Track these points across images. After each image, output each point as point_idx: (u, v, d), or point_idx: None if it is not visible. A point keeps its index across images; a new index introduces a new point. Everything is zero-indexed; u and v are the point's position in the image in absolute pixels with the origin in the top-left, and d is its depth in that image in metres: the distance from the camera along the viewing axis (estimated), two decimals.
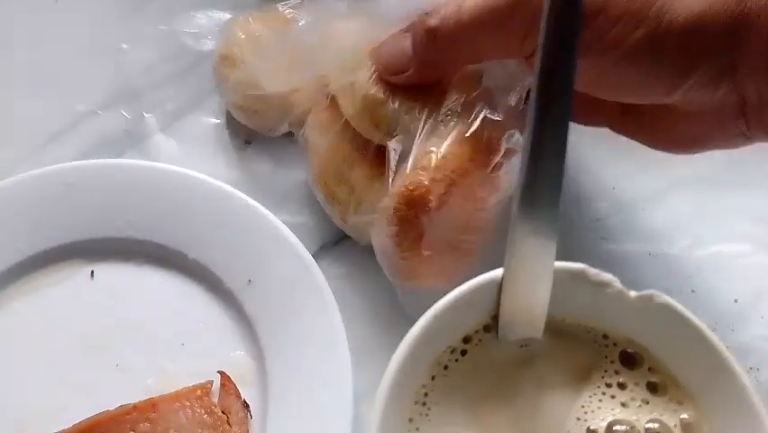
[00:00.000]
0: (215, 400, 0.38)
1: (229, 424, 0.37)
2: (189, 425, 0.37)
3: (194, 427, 0.37)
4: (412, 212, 0.36)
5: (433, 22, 0.34)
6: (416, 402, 0.26)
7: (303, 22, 0.41)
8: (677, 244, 0.46)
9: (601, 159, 0.49)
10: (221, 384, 0.39)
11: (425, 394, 0.27)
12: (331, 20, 0.41)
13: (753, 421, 0.24)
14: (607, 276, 0.26)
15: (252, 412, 0.38)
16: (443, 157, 0.36)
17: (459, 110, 0.37)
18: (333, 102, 0.41)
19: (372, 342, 0.41)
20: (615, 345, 0.28)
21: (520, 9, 0.31)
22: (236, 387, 0.39)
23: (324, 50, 0.41)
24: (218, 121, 0.47)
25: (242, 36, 0.44)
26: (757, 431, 0.24)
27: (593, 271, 0.26)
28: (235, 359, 0.40)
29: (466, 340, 0.28)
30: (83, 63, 0.49)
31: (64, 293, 0.41)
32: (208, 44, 0.50)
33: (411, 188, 0.36)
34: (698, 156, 0.45)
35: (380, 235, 0.39)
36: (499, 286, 0.26)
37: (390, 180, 0.38)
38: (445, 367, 0.27)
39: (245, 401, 0.38)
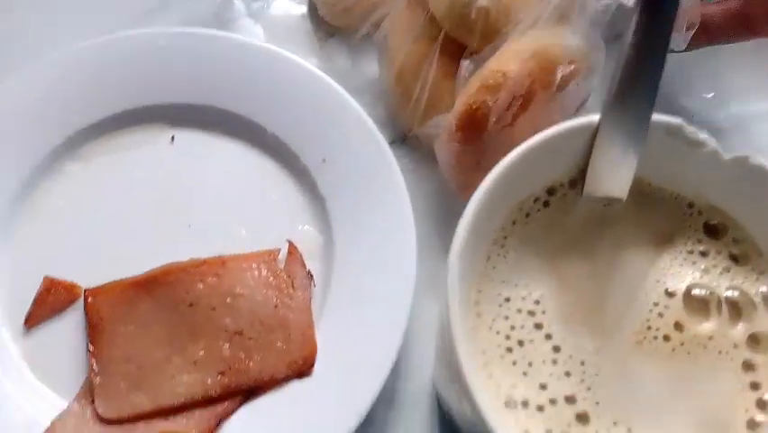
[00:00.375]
0: (282, 266, 0.39)
1: (293, 288, 0.38)
2: (255, 284, 0.38)
3: (260, 286, 0.38)
4: (473, 130, 0.37)
5: None
6: (494, 242, 0.27)
7: None
8: None
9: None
10: (288, 252, 0.39)
11: (505, 237, 0.27)
12: None
13: None
14: (703, 135, 0.26)
15: (316, 283, 0.39)
16: (508, 76, 0.35)
17: (528, 29, 0.37)
18: (416, 2, 0.42)
19: (433, 238, 0.42)
20: (699, 213, 0.27)
21: None
22: (302, 256, 0.39)
23: None
24: (303, 11, 0.48)
25: None
26: None
27: (690, 129, 0.26)
28: (304, 233, 0.41)
29: (550, 192, 0.28)
30: None
31: (145, 153, 0.43)
32: None
33: (474, 106, 0.36)
34: None
35: (443, 149, 0.39)
36: (592, 136, 0.26)
37: (458, 97, 0.38)
38: (527, 215, 0.27)
39: (309, 271, 0.39)
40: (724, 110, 0.46)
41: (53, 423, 0.35)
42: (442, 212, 0.43)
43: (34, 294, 0.38)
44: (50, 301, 0.38)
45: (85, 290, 0.38)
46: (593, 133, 0.26)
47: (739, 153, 0.26)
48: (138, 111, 0.42)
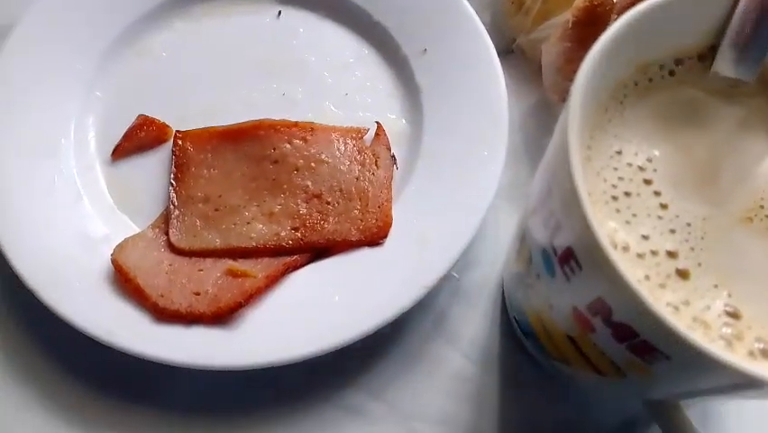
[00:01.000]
0: (368, 144, 0.39)
1: (377, 165, 0.38)
2: (341, 155, 0.38)
3: (344, 158, 0.38)
4: (591, 27, 0.36)
5: None
6: (613, 97, 0.26)
7: None
8: None
9: None
10: (375, 134, 0.39)
11: (624, 95, 0.26)
12: None
13: None
14: None
15: (399, 167, 0.39)
16: None
17: None
18: None
19: (521, 150, 0.41)
20: None
21: None
22: (388, 139, 0.39)
23: None
24: None
25: None
26: None
27: None
28: (393, 121, 0.41)
29: (678, 62, 0.27)
30: None
31: (252, 22, 0.43)
32: None
33: (597, 1, 0.36)
34: None
35: (551, 51, 0.38)
36: (727, 12, 0.26)
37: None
38: (650, 80, 0.27)
39: (393, 154, 0.39)
40: None
41: (126, 240, 0.35)
42: (536, 127, 0.42)
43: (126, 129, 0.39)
44: (140, 137, 0.39)
45: (176, 131, 0.39)
46: (728, 8, 0.25)
47: None
48: None
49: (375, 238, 0.36)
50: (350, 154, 0.38)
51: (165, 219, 0.36)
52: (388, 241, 0.36)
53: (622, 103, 0.26)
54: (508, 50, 0.44)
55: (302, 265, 0.36)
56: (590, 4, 0.36)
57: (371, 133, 0.40)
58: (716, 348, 0.20)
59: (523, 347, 0.36)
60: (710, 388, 0.25)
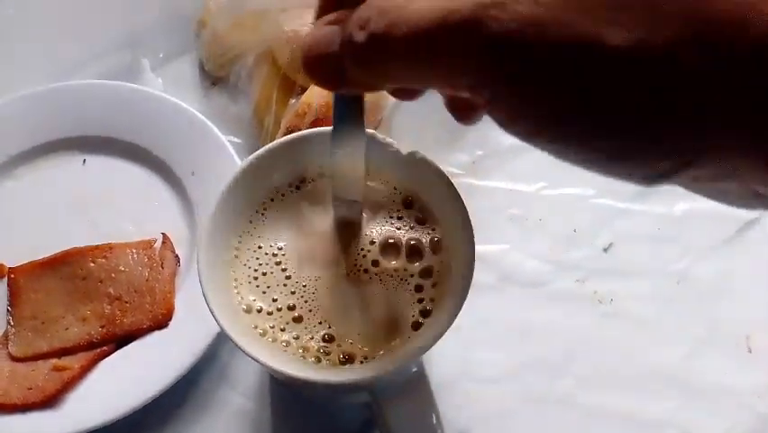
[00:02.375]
0: (157, 251, 0.52)
1: (162, 267, 0.51)
2: (133, 263, 0.51)
3: (136, 265, 0.51)
4: None
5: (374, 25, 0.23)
6: (256, 211, 0.40)
7: None
8: (534, 185, 0.58)
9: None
10: (162, 242, 0.53)
11: (265, 209, 0.40)
12: None
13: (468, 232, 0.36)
14: (389, 139, 0.39)
15: (182, 264, 0.52)
16: (312, 106, 0.50)
17: None
18: (265, 55, 0.56)
19: None
20: (400, 193, 0.41)
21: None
22: (172, 244, 0.53)
23: (270, 15, 0.56)
24: (194, 66, 0.63)
25: (212, 6, 0.60)
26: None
27: (380, 136, 0.39)
28: (177, 228, 0.54)
29: (302, 181, 0.41)
30: (96, 18, 0.66)
31: (64, 172, 0.57)
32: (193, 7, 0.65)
33: (290, 128, 0.51)
34: None
35: None
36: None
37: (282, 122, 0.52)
38: (282, 195, 0.41)
39: (177, 255, 0.52)
40: None
41: None
42: None
43: None
44: None
45: (9, 268, 0.52)
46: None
47: (411, 149, 0.39)
48: (59, 141, 0.57)
49: (162, 322, 0.49)
50: (141, 261, 0.52)
51: (5, 336, 0.49)
52: (173, 322, 0.49)
53: (263, 214, 0.40)
54: None
55: (110, 353, 0.48)
56: (286, 130, 0.50)
57: (159, 242, 0.53)
58: (294, 366, 0.34)
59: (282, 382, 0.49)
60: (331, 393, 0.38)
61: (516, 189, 0.58)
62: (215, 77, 0.62)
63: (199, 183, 0.55)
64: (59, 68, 0.62)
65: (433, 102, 0.54)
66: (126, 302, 0.50)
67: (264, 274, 0.38)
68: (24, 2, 0.67)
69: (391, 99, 0.53)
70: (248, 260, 0.39)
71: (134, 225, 0.54)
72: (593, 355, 0.51)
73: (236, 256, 0.39)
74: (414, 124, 0.58)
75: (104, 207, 0.55)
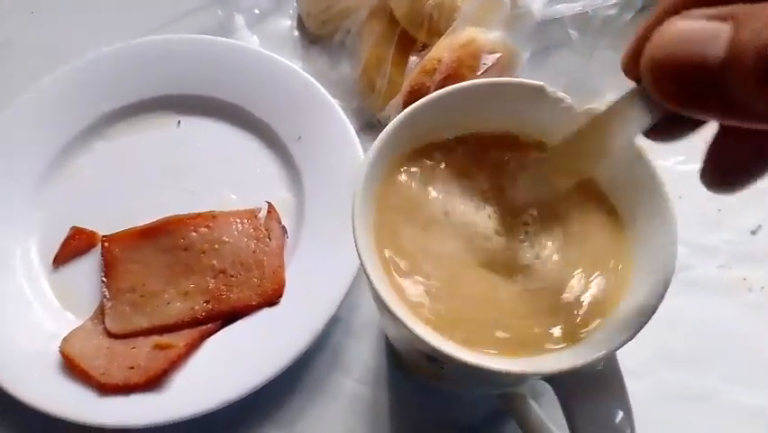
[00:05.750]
0: (262, 221, 0.48)
1: (269, 238, 0.47)
2: (239, 234, 0.47)
3: (241, 236, 0.47)
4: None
5: None
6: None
7: None
8: (671, 159, 0.53)
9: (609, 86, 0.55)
10: (267, 211, 0.48)
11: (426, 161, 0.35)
12: None
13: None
14: (561, 93, 0.34)
15: (289, 235, 0.47)
16: (441, 62, 0.44)
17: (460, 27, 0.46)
18: (379, 9, 0.51)
19: None
20: None
21: None
22: (278, 214, 0.48)
23: None
24: (292, 23, 0.58)
25: None
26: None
27: (551, 89, 0.34)
28: (281, 197, 0.49)
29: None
30: None
31: (157, 134, 0.52)
32: None
33: (415, 86, 0.45)
34: None
35: None
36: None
37: (405, 81, 0.47)
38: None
39: (284, 226, 0.48)
40: None
41: (70, 333, 0.43)
42: None
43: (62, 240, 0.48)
44: (74, 245, 0.47)
45: (102, 237, 0.47)
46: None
47: (587, 106, 0.34)
48: (152, 100, 0.52)
49: (272, 299, 0.44)
50: (246, 232, 0.47)
51: (101, 311, 0.45)
52: (284, 299, 0.45)
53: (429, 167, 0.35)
54: (371, 125, 0.53)
55: (216, 331, 0.44)
56: (411, 87, 0.45)
57: (264, 211, 0.48)
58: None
59: (401, 367, 0.44)
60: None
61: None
62: (315, 35, 0.57)
63: (306, 149, 0.50)
64: (146, 26, 0.58)
65: (556, 68, 0.47)
66: (232, 276, 0.45)
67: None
68: None
69: (523, 57, 0.48)
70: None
71: (236, 193, 0.50)
72: (740, 349, 0.46)
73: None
74: None
75: (201, 172, 0.51)
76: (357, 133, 0.51)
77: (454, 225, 0.33)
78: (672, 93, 0.19)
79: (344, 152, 0.48)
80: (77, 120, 0.51)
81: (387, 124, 0.51)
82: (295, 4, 0.58)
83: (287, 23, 0.58)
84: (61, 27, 0.59)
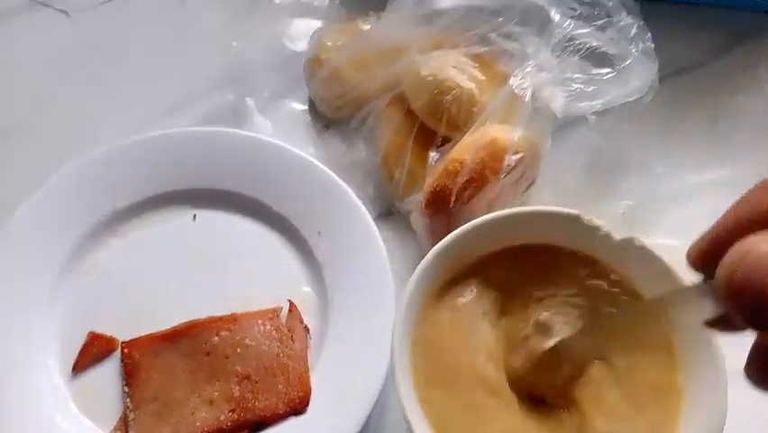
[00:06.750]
0: (283, 321, 0.47)
1: (292, 340, 0.46)
2: (261, 337, 0.46)
3: (264, 338, 0.46)
4: (439, 206, 0.45)
5: None
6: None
7: (378, 30, 0.51)
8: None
9: (633, 160, 0.55)
10: (288, 310, 0.48)
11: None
12: (401, 28, 0.50)
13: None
14: (597, 221, 0.34)
15: (312, 336, 0.47)
16: (464, 164, 0.44)
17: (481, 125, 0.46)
18: (398, 99, 0.51)
19: None
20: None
21: None
22: (300, 313, 0.47)
23: (397, 53, 0.51)
24: (304, 107, 0.58)
25: (328, 43, 0.54)
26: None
27: (587, 218, 0.34)
28: (303, 294, 0.49)
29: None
30: (200, 54, 0.61)
31: (172, 229, 0.51)
32: (301, 45, 0.60)
33: (438, 188, 0.45)
34: (724, 164, 0.53)
35: (417, 222, 0.48)
36: None
37: (426, 179, 0.46)
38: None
39: (306, 326, 0.47)
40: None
41: None
42: None
43: (80, 346, 0.47)
44: (93, 352, 0.46)
45: (121, 343, 0.46)
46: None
47: (626, 236, 0.34)
48: (166, 195, 0.52)
49: (298, 408, 0.44)
50: (269, 334, 0.46)
51: (124, 421, 0.44)
52: (311, 406, 0.44)
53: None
54: (390, 212, 0.53)
55: None
56: (434, 189, 0.45)
57: (285, 310, 0.48)
58: None
59: None
60: None
61: (677, 246, 0.52)
62: (329, 118, 0.57)
63: (327, 243, 0.49)
64: (158, 111, 0.57)
65: (575, 147, 0.47)
66: (256, 382, 0.45)
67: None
68: (122, 43, 0.62)
69: (546, 149, 0.47)
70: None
71: (256, 290, 0.49)
72: None
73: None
74: (556, 172, 0.52)
75: (219, 268, 0.50)
76: (375, 220, 0.51)
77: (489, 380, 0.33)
78: (748, 316, 0.19)
79: (365, 246, 0.48)
80: (90, 218, 0.50)
81: (406, 214, 0.51)
82: (305, 91, 0.57)
83: (299, 107, 0.58)
84: (71, 113, 0.58)
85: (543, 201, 0.51)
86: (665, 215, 0.53)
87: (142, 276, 0.50)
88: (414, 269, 0.50)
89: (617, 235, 0.34)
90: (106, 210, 0.51)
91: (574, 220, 0.34)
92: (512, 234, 0.35)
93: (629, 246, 0.34)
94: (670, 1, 0.63)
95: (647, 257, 0.33)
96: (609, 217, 0.53)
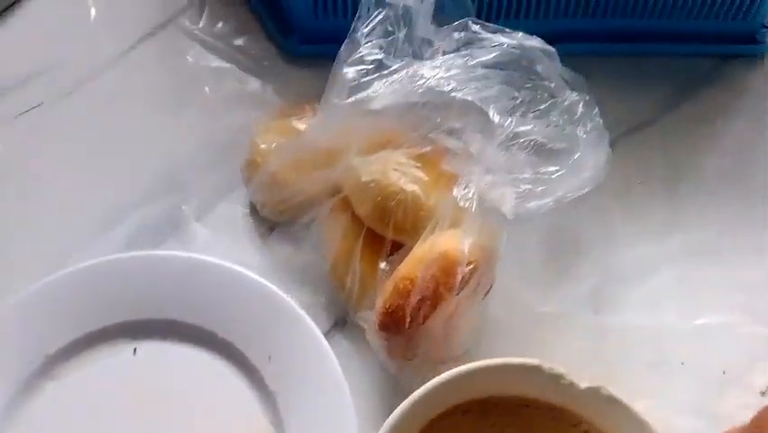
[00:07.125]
0: None
1: None
2: None
3: None
4: (393, 327, 0.42)
5: None
6: None
7: (313, 130, 0.48)
8: (666, 316, 0.50)
9: (593, 234, 0.53)
10: None
11: None
12: (336, 127, 0.47)
13: None
14: (558, 369, 0.31)
15: None
16: (415, 282, 0.41)
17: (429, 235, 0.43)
18: (342, 202, 0.48)
19: (374, 411, 0.46)
20: None
21: None
22: None
23: (336, 155, 0.47)
24: (245, 210, 0.54)
25: (263, 146, 0.51)
26: None
27: (547, 366, 0.31)
28: (258, 426, 0.45)
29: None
30: (128, 160, 0.57)
31: (111, 366, 0.48)
32: (238, 138, 0.55)
33: (390, 309, 0.42)
34: (689, 228, 0.50)
35: (373, 340, 0.45)
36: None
37: (378, 297, 0.43)
38: None
39: None
40: None
41: None
42: (383, 383, 0.47)
43: None
44: None
45: None
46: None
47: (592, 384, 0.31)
48: (102, 331, 0.48)
49: None
50: None
51: None
52: None
53: None
54: (345, 321, 0.49)
55: None
56: (386, 310, 0.42)
57: None
58: None
59: None
60: None
61: (646, 325, 0.50)
62: (272, 221, 0.53)
63: (278, 368, 0.46)
64: (86, 232, 0.53)
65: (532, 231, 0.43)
66: None
67: None
68: (41, 157, 0.57)
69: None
70: None
71: (207, 427, 0.45)
72: None
73: None
74: (515, 256, 0.49)
75: (165, 405, 0.46)
76: (329, 331, 0.48)
77: None
78: None
79: (319, 370, 0.45)
80: (21, 366, 0.46)
81: (361, 325, 0.48)
82: (245, 191, 0.54)
83: (240, 210, 0.54)
84: None
85: (504, 292, 0.48)
86: (631, 290, 0.51)
87: (82, 419, 0.46)
88: (374, 381, 0.48)
89: (582, 384, 0.31)
90: (38, 355, 0.47)
91: (535, 370, 0.31)
92: (474, 388, 0.32)
93: (596, 395, 0.31)
94: (612, 54, 0.61)
95: (615, 405, 0.31)
96: (573, 300, 0.50)
